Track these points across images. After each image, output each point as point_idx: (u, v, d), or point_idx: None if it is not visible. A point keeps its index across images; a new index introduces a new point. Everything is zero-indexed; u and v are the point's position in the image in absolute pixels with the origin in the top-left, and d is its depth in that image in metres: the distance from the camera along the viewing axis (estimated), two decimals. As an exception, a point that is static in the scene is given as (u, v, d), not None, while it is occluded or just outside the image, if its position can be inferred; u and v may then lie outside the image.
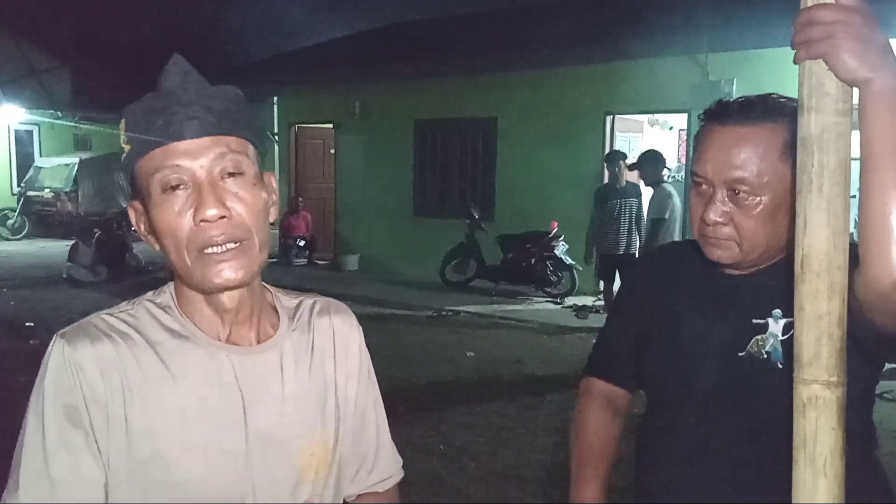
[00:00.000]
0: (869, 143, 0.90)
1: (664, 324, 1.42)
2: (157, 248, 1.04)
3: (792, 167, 1.14)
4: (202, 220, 0.97)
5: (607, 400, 1.56)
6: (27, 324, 7.79)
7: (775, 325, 1.27)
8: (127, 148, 1.01)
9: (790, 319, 1.18)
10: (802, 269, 0.89)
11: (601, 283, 8.57)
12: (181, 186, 0.98)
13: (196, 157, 0.98)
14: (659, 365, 1.42)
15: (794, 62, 0.90)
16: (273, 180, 1.09)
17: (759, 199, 1.23)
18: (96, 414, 0.97)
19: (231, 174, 0.99)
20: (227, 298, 1.04)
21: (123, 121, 1.01)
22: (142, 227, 1.05)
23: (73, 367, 0.96)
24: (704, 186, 1.29)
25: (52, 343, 0.99)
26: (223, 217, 0.98)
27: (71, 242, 11.51)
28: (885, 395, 5.66)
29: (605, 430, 1.55)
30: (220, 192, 0.98)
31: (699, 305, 1.38)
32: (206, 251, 0.98)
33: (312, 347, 1.13)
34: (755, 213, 1.24)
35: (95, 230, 11.65)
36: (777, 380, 1.22)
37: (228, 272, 0.99)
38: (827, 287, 0.88)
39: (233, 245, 0.99)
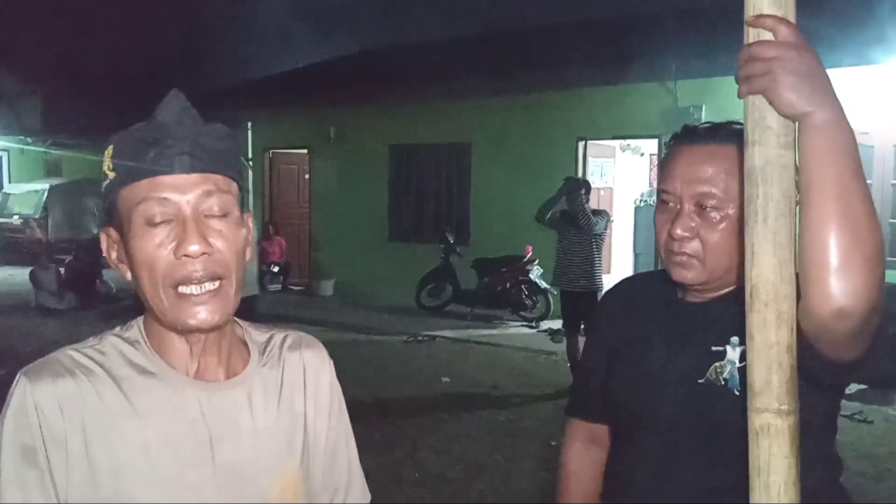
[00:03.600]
0: (807, 176, 0.92)
1: (628, 352, 1.44)
2: (129, 276, 1.03)
3: None
4: (184, 255, 0.97)
5: (590, 439, 1.58)
6: (-7, 353, 7.63)
7: (733, 353, 1.28)
8: (111, 175, 1.00)
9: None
10: (751, 298, 0.91)
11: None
12: (164, 220, 0.97)
13: (184, 192, 0.98)
14: (623, 393, 1.43)
15: (738, 97, 0.93)
16: (250, 220, 1.09)
17: (724, 213, 1.27)
18: (54, 453, 0.96)
19: (215, 215, 1.00)
20: (197, 336, 1.03)
21: (111, 147, 1.00)
22: (113, 254, 1.04)
23: (32, 406, 0.96)
24: (671, 203, 1.32)
25: (16, 379, 0.99)
26: (205, 253, 0.97)
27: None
28: (855, 416, 5.73)
29: (587, 475, 1.56)
30: (204, 229, 0.98)
31: (662, 333, 1.39)
32: (182, 290, 0.98)
33: (282, 382, 1.12)
34: (721, 227, 1.27)
35: (63, 257, 11.47)
36: (735, 407, 1.23)
37: (204, 314, 0.99)
38: (775, 316, 0.89)
39: (210, 285, 0.99)
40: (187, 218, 0.97)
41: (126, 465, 0.97)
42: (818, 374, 1.12)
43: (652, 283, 1.48)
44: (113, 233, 1.03)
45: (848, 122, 0.93)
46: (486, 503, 4.33)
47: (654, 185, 11.65)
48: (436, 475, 4.70)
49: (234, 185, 1.04)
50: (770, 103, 0.90)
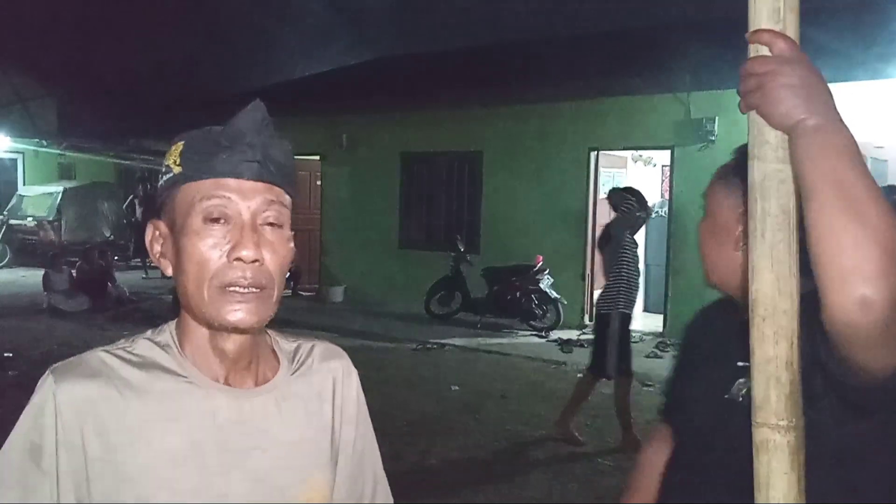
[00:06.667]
0: (802, 175, 0.91)
1: (685, 366, 1.56)
2: (169, 272, 1.04)
3: None
4: (237, 259, 0.98)
5: (665, 441, 1.66)
6: (6, 354, 7.67)
7: None
8: (176, 170, 1.01)
9: None
10: (752, 314, 0.91)
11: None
12: (222, 220, 0.99)
13: (246, 198, 0.99)
14: (674, 405, 1.55)
15: (741, 113, 0.94)
16: (292, 236, 1.10)
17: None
18: (65, 457, 0.95)
19: (272, 224, 1.01)
20: (230, 341, 1.04)
21: (182, 143, 1.02)
22: (157, 247, 1.05)
23: (52, 408, 0.95)
24: None
25: (43, 377, 0.99)
26: (256, 261, 0.99)
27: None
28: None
29: (652, 473, 1.64)
30: (259, 237, 1.00)
31: (709, 349, 1.47)
32: (228, 289, 0.99)
33: (310, 392, 1.13)
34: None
35: (75, 259, 11.53)
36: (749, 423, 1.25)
37: (243, 314, 0.99)
38: (773, 331, 0.89)
39: (255, 290, 1.00)
40: (245, 223, 0.99)
41: (151, 471, 0.97)
42: (854, 390, 1.08)
43: (723, 307, 1.55)
44: (162, 227, 1.04)
45: (845, 128, 0.91)
46: (492, 513, 4.31)
47: (666, 196, 11.62)
48: (444, 484, 4.69)
49: (290, 200, 1.06)
50: (763, 118, 0.91)
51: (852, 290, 0.88)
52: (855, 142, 0.91)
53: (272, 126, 1.03)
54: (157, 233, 1.05)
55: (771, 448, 0.88)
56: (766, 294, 0.89)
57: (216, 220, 0.99)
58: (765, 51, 0.92)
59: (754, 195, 0.90)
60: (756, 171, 0.91)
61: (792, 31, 0.91)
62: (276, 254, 1.01)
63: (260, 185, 1.00)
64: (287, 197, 1.05)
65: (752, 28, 0.91)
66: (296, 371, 1.13)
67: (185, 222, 0.99)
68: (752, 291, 0.91)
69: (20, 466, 0.95)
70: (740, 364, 1.31)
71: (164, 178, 1.03)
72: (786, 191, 0.90)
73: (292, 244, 1.06)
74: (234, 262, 0.98)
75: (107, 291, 11.16)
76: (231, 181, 0.99)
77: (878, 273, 0.88)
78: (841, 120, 0.91)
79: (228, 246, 0.98)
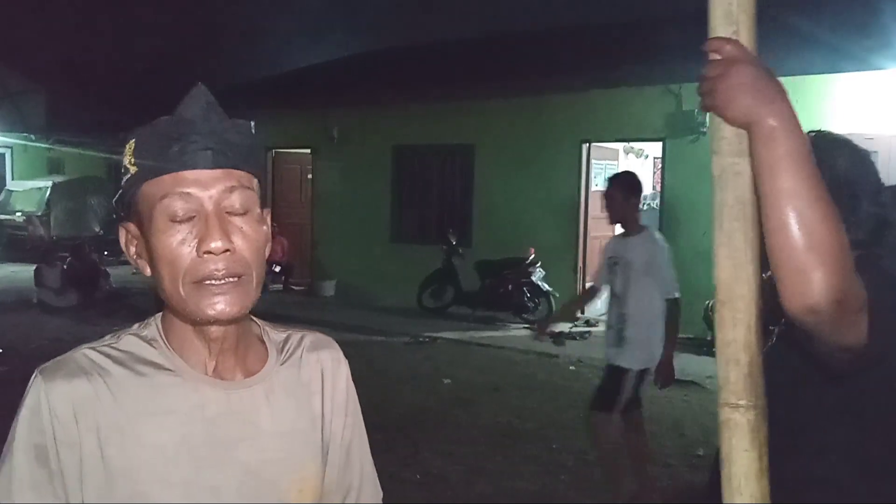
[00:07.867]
0: (758, 185, 0.95)
1: None
2: (148, 273, 1.02)
3: None
4: (206, 252, 0.96)
5: None
6: (-4, 350, 7.63)
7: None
8: (133, 170, 0.99)
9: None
10: (715, 299, 0.95)
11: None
12: (187, 218, 0.97)
13: (206, 188, 0.97)
14: None
15: (703, 112, 0.99)
16: (268, 216, 1.07)
17: None
18: (66, 456, 0.95)
19: (238, 210, 0.99)
20: (215, 328, 1.02)
21: (133, 142, 0.99)
22: (132, 249, 1.04)
23: (46, 408, 0.95)
24: None
25: (32, 377, 0.98)
26: (227, 251, 0.97)
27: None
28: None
29: None
30: (226, 226, 0.97)
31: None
32: (204, 283, 0.97)
33: (300, 382, 1.12)
34: None
35: (65, 254, 11.47)
36: None
37: (223, 305, 0.98)
38: (731, 315, 0.93)
39: (232, 279, 0.98)
40: (209, 214, 0.97)
41: (142, 466, 0.97)
42: (835, 361, 1.16)
43: None
44: (132, 228, 1.03)
45: (799, 128, 0.96)
46: (484, 504, 4.32)
47: (658, 188, 11.64)
48: (437, 476, 4.71)
49: (256, 181, 1.03)
50: (720, 117, 0.96)
51: (797, 299, 0.97)
52: (806, 144, 0.96)
53: (220, 108, 1.00)
54: (130, 235, 1.04)
55: (731, 426, 0.92)
56: (724, 280, 0.93)
57: (180, 218, 0.97)
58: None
59: (714, 188, 0.95)
60: (715, 165, 0.95)
61: (745, 31, 0.95)
62: (247, 239, 0.99)
63: (218, 171, 0.97)
64: (251, 177, 1.02)
65: (710, 30, 0.97)
66: (285, 361, 1.12)
67: (151, 222, 0.98)
68: (715, 278, 0.95)
69: (29, 470, 0.95)
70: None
71: (124, 179, 1.01)
72: (741, 182, 0.94)
73: (266, 226, 1.04)
74: (205, 256, 0.96)
75: (97, 287, 11.10)
76: (188, 174, 0.96)
77: (821, 288, 0.95)
78: (793, 116, 0.96)
79: (196, 240, 0.96)
